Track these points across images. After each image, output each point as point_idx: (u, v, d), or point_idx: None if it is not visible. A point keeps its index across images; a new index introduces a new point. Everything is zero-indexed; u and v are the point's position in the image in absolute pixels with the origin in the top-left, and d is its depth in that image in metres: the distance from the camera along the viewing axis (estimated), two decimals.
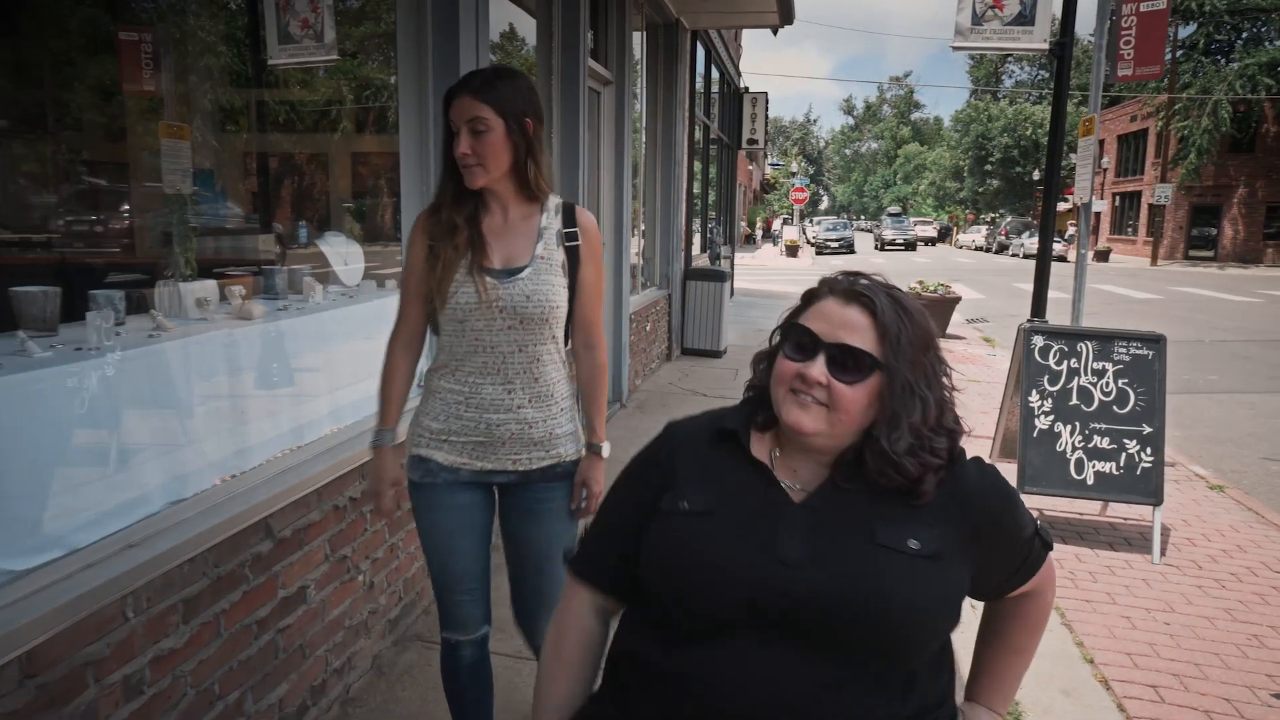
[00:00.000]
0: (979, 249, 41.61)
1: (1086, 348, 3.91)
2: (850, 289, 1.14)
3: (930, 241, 44.70)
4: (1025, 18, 5.75)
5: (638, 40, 6.96)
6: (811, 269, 22.19)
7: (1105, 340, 3.91)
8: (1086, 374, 3.88)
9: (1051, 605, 1.28)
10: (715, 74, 10.70)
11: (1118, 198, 37.98)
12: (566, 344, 1.88)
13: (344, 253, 3.27)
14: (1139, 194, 34.74)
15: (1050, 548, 1.25)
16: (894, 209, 52.83)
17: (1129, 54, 4.69)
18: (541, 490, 1.84)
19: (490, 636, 1.98)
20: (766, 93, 13.60)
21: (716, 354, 8.38)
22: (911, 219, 46.99)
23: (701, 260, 9.88)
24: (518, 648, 2.40)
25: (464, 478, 1.80)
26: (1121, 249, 35.55)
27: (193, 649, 1.84)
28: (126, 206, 2.81)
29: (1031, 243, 34.09)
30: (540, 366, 1.79)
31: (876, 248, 41.31)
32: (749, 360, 1.28)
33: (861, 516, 1.10)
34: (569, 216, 1.82)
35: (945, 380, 1.17)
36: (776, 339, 1.20)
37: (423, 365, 1.94)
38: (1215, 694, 2.64)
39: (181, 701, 1.83)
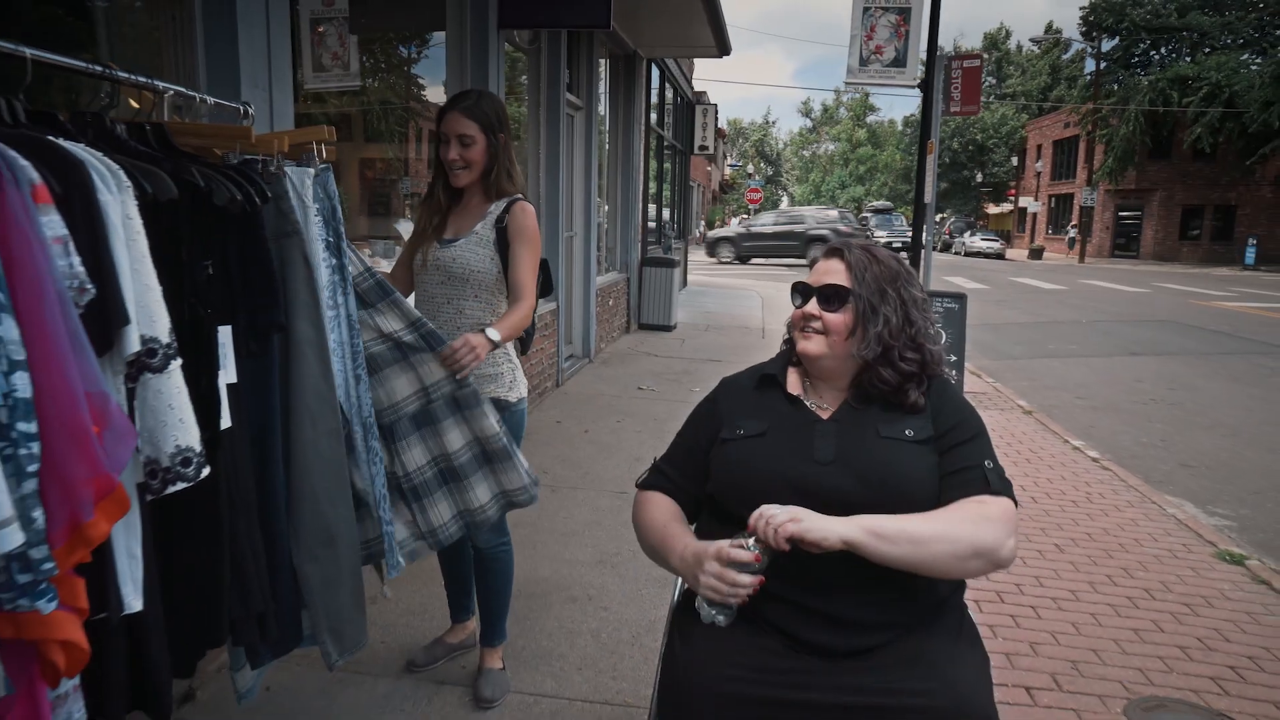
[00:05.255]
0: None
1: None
2: (831, 248, 1.60)
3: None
4: (899, 61, 7.51)
5: (603, 67, 8.59)
6: (763, 264, 23.95)
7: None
8: None
9: (981, 543, 1.37)
10: (669, 90, 12.38)
11: (1053, 199, 40.52)
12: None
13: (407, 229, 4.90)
14: (1071, 196, 37.16)
15: (997, 493, 1.43)
16: (880, 203, 43.78)
17: (956, 95, 6.45)
18: None
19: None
20: (716, 105, 15.31)
21: (668, 328, 10.02)
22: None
23: (656, 250, 11.53)
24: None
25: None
26: (1055, 248, 37.80)
27: None
28: None
29: (973, 241, 36.39)
30: (463, 317, 2.22)
31: None
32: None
33: (871, 423, 1.50)
34: (508, 207, 2.22)
35: (918, 312, 1.54)
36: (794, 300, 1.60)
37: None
38: None
39: None
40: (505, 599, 2.48)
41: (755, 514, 1.36)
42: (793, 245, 23.46)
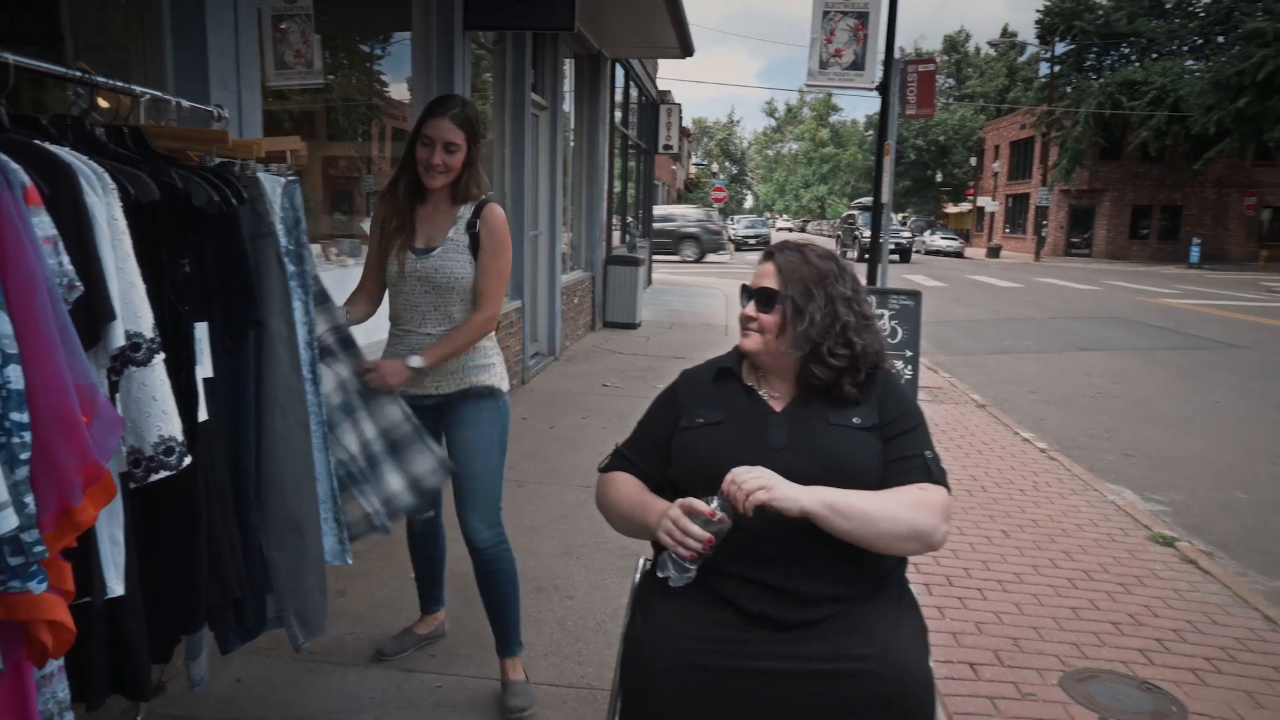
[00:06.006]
0: None
1: (869, 300, 5.83)
2: (767, 251, 1.70)
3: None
4: (858, 65, 7.67)
5: (568, 67, 8.65)
6: (727, 262, 24.17)
7: (883, 295, 5.82)
8: None
9: (920, 527, 1.50)
10: (634, 90, 12.47)
11: (1010, 199, 41.38)
12: None
13: None
14: (1028, 196, 37.98)
15: (936, 482, 1.56)
16: (867, 200, 41.13)
17: (912, 98, 6.64)
18: (460, 405, 2.33)
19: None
20: (680, 104, 15.45)
21: (633, 326, 10.12)
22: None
23: (620, 249, 11.62)
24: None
25: (409, 400, 2.26)
26: (1013, 246, 38.62)
27: None
28: None
29: (934, 239, 36.99)
30: (451, 321, 2.29)
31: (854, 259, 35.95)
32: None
33: (821, 413, 1.61)
34: (479, 210, 2.28)
35: (848, 310, 1.62)
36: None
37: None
38: None
39: None
40: (515, 608, 2.44)
41: (727, 477, 1.45)
42: (665, 242, 23.94)
